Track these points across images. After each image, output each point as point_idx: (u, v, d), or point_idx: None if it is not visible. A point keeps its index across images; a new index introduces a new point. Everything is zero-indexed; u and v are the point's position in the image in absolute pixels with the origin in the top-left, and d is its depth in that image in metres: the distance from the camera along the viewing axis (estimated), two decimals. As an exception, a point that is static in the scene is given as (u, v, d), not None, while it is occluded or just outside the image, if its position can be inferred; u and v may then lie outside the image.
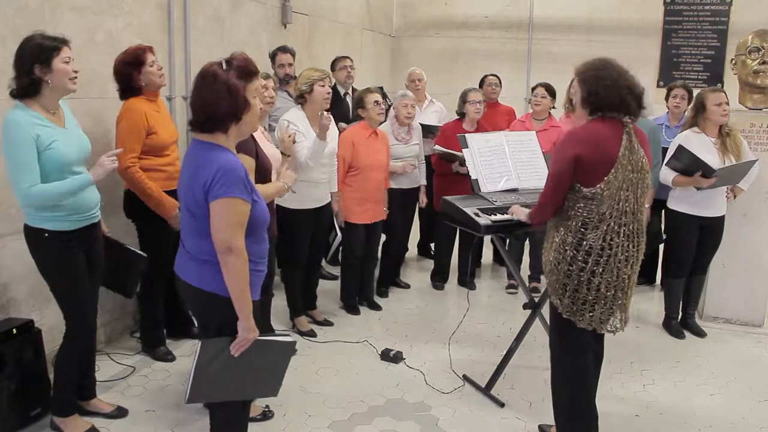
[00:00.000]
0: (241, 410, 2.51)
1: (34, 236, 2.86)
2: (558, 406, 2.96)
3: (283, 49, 4.98)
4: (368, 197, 4.55)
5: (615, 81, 2.68)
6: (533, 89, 5.24)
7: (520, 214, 3.20)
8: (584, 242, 2.70)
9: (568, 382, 2.91)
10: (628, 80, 2.70)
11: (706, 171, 4.06)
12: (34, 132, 2.71)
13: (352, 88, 5.47)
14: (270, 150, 3.56)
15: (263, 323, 3.90)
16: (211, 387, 2.34)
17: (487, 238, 5.35)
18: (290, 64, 4.93)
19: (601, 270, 2.70)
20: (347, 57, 5.55)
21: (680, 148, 4.16)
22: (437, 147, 4.92)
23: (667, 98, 5.22)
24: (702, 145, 4.21)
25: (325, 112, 4.06)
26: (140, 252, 3.37)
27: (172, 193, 3.55)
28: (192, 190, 2.21)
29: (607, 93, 2.68)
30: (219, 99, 2.20)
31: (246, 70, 2.26)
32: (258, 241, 2.33)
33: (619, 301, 2.78)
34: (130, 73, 3.53)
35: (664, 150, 4.53)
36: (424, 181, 5.19)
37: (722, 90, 4.35)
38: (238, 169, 2.18)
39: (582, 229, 2.71)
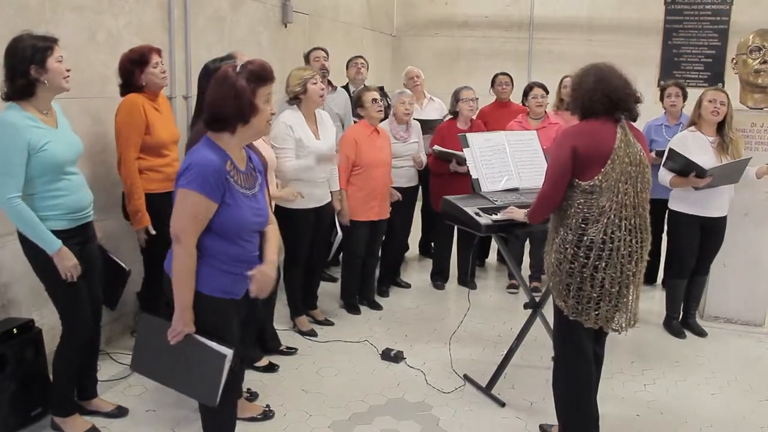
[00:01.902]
0: (230, 409, 2.53)
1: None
2: (560, 405, 2.97)
3: (318, 48, 5.33)
4: (374, 195, 4.56)
5: (593, 89, 2.70)
6: (529, 90, 5.23)
7: (518, 215, 3.20)
8: (585, 237, 2.71)
9: (569, 382, 2.91)
10: (605, 82, 2.70)
11: (699, 171, 4.06)
12: (27, 136, 2.70)
13: (364, 85, 5.50)
14: (266, 150, 3.55)
15: (263, 325, 3.92)
16: (150, 364, 2.44)
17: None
18: (325, 58, 5.23)
19: (603, 265, 2.70)
20: (360, 56, 5.74)
21: (672, 151, 4.17)
22: (436, 147, 4.92)
23: (662, 98, 5.22)
24: (698, 145, 4.21)
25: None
26: (123, 265, 3.34)
27: (168, 196, 3.55)
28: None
29: (586, 101, 2.73)
30: (225, 101, 2.23)
31: (258, 75, 2.27)
32: (235, 244, 2.34)
33: (624, 299, 2.77)
34: (133, 71, 3.56)
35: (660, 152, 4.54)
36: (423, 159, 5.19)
37: (723, 90, 4.34)
38: (208, 166, 2.21)
39: (582, 225, 2.72)
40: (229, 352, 2.30)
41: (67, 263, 2.82)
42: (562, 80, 5.43)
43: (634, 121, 2.80)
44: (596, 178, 2.68)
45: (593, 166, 2.68)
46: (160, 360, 2.38)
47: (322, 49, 5.31)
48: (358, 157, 4.48)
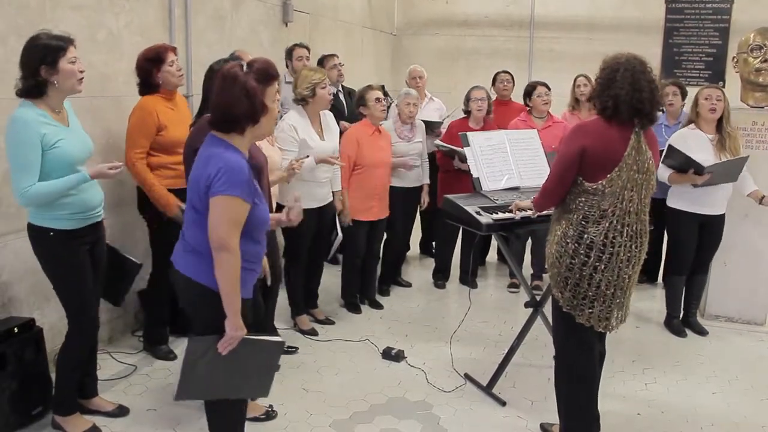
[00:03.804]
0: (239, 408, 2.50)
1: (39, 235, 2.86)
2: (561, 403, 2.96)
3: (300, 45, 5.26)
4: (373, 195, 4.55)
5: (624, 95, 2.61)
6: (533, 89, 5.21)
7: (524, 204, 3.21)
8: (585, 235, 2.70)
9: (572, 379, 2.90)
10: (638, 91, 2.62)
11: (698, 168, 4.06)
12: (40, 131, 2.71)
13: (342, 85, 5.48)
14: (268, 150, 3.55)
15: (264, 323, 3.92)
16: (200, 385, 2.35)
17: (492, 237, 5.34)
18: (307, 58, 5.17)
19: (603, 267, 2.70)
20: (334, 55, 5.53)
21: (671, 147, 4.17)
22: (438, 142, 4.92)
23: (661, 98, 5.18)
24: (697, 142, 4.21)
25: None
26: (135, 260, 3.34)
27: (182, 192, 3.55)
28: (197, 183, 2.25)
29: (608, 101, 2.65)
30: (237, 101, 2.22)
31: (266, 74, 2.27)
32: (253, 243, 2.36)
33: (618, 300, 2.78)
34: (150, 70, 3.59)
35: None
36: (427, 180, 5.19)
37: (718, 87, 4.35)
38: (242, 170, 2.20)
39: (583, 222, 2.71)
40: (282, 339, 2.36)
41: (107, 171, 2.85)
42: (575, 80, 5.41)
43: (645, 126, 2.75)
44: (601, 182, 2.66)
45: (600, 170, 2.66)
46: (211, 375, 2.34)
47: (305, 47, 5.25)
48: (359, 157, 4.48)
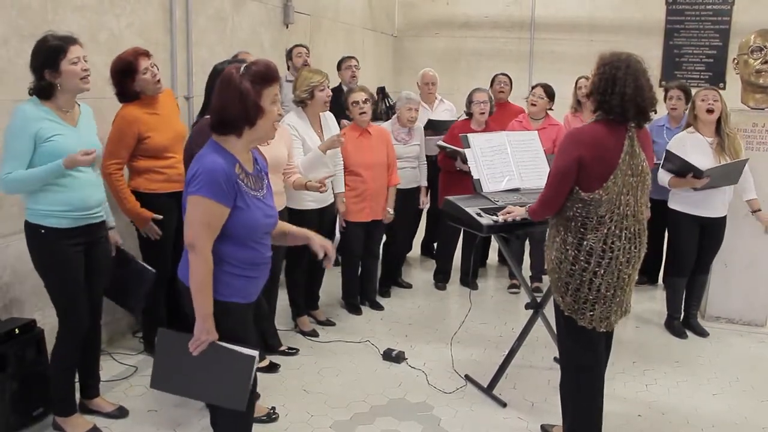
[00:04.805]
0: (249, 413, 2.47)
1: (31, 232, 2.88)
2: (568, 403, 2.94)
3: (299, 45, 5.53)
4: (364, 196, 4.55)
5: (625, 90, 2.61)
6: (532, 89, 5.24)
7: (517, 211, 3.17)
8: (584, 242, 2.70)
9: (575, 379, 2.89)
10: (641, 89, 2.63)
11: (696, 172, 4.06)
12: (36, 126, 2.74)
13: (349, 87, 5.54)
14: (271, 150, 3.55)
15: (267, 328, 3.93)
16: (172, 379, 2.37)
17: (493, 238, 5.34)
18: (307, 55, 5.45)
19: (602, 272, 2.70)
20: (353, 57, 5.70)
21: (669, 152, 4.18)
22: (440, 143, 4.92)
23: (665, 100, 5.17)
24: (695, 146, 4.20)
25: (342, 137, 4.17)
26: (149, 267, 3.34)
27: (171, 196, 3.56)
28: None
29: (613, 99, 2.63)
30: (231, 103, 2.21)
31: (262, 76, 2.24)
32: (248, 248, 2.32)
33: (618, 299, 2.78)
34: (124, 81, 3.50)
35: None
36: (424, 183, 5.19)
37: (714, 88, 4.36)
38: (217, 172, 2.18)
39: (582, 229, 2.71)
40: (255, 353, 2.29)
41: (78, 157, 2.78)
42: (577, 81, 5.41)
43: (641, 127, 2.75)
44: (597, 191, 2.65)
45: (596, 178, 2.65)
46: (182, 373, 2.33)
47: (303, 46, 5.49)
48: (346, 159, 4.49)
